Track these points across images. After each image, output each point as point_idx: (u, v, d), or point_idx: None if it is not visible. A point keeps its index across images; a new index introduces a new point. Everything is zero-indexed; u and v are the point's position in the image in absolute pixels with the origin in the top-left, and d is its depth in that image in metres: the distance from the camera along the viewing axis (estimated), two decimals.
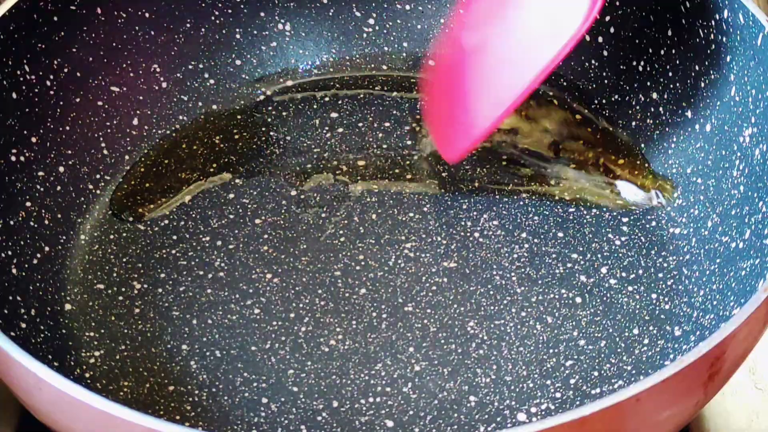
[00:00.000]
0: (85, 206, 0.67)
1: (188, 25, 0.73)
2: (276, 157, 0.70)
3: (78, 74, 0.68)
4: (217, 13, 0.74)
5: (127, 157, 0.70)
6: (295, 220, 0.66)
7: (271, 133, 0.72)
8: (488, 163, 0.70)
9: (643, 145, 0.69)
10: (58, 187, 0.65)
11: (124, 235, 0.66)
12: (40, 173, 0.64)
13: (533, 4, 0.62)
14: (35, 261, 0.62)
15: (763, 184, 0.59)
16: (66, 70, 0.67)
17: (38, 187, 0.64)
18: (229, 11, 0.74)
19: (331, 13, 0.76)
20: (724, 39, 0.63)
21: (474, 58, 0.65)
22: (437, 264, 0.64)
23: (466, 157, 0.68)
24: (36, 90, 0.65)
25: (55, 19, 0.66)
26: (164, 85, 0.72)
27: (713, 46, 0.64)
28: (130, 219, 0.67)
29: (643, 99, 0.69)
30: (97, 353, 0.60)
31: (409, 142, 0.71)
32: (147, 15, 0.71)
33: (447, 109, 0.67)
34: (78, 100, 0.68)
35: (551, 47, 0.61)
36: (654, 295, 0.62)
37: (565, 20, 0.60)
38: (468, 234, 0.65)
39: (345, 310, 0.62)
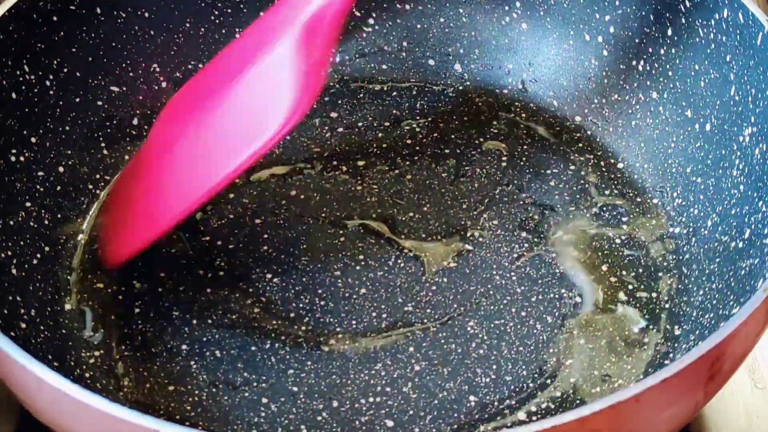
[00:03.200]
0: (85, 206, 0.67)
1: (188, 25, 0.73)
2: (276, 157, 0.70)
3: (78, 74, 0.68)
4: (217, 13, 0.74)
5: (127, 157, 0.70)
6: (295, 220, 0.66)
7: None
8: (488, 163, 0.70)
9: (643, 144, 0.69)
10: (58, 187, 0.65)
11: None
12: (40, 173, 0.64)
13: (235, 102, 0.59)
14: (35, 261, 0.62)
15: (763, 183, 0.59)
16: (66, 70, 0.67)
17: (38, 187, 0.64)
18: (229, 11, 0.74)
19: None
20: (724, 38, 0.63)
21: (162, 157, 0.61)
22: (437, 264, 0.64)
23: (129, 260, 0.62)
24: (36, 90, 0.65)
25: (55, 19, 0.66)
26: (164, 85, 0.72)
27: (713, 46, 0.64)
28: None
29: (642, 98, 0.69)
30: (97, 353, 0.60)
31: (409, 142, 0.71)
32: (147, 15, 0.71)
33: (126, 210, 0.63)
34: (78, 99, 0.68)
35: (242, 151, 0.58)
36: (654, 295, 0.62)
37: (264, 123, 0.57)
38: (468, 234, 0.66)
39: (345, 310, 0.62)
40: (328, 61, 0.58)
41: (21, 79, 0.64)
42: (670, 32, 0.67)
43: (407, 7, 0.76)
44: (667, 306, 0.62)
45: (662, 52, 0.68)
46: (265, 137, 0.57)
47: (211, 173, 0.58)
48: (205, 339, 0.60)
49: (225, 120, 0.59)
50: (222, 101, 0.59)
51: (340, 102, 0.74)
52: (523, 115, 0.73)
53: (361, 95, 0.75)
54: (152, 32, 0.72)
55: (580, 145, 0.71)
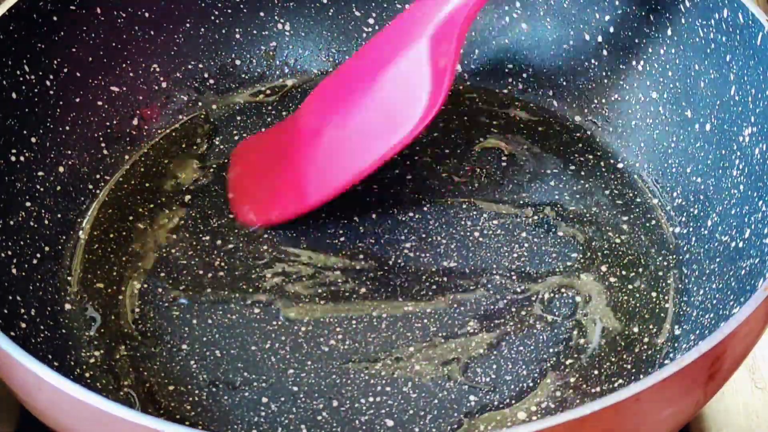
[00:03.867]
0: (85, 206, 0.67)
1: (188, 25, 0.73)
2: None
3: (78, 74, 0.68)
4: (216, 13, 0.74)
5: (127, 157, 0.70)
6: (295, 220, 0.66)
7: None
8: (488, 163, 0.70)
9: (643, 144, 0.69)
10: (58, 187, 0.65)
11: (124, 234, 0.66)
12: (40, 173, 0.64)
13: (375, 98, 0.64)
14: (35, 261, 0.62)
15: (763, 183, 0.59)
16: (66, 70, 0.67)
17: (38, 187, 0.64)
18: (229, 11, 0.74)
19: (330, 13, 0.76)
20: (724, 38, 0.63)
21: (312, 140, 0.66)
22: (437, 264, 0.64)
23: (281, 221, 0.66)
24: (36, 90, 0.65)
25: (55, 19, 0.66)
26: (164, 85, 0.72)
27: (713, 46, 0.64)
28: (130, 219, 0.67)
29: (642, 98, 0.69)
30: (97, 353, 0.60)
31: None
32: (147, 15, 0.71)
33: (273, 178, 0.67)
34: (78, 100, 0.68)
35: (383, 144, 0.62)
36: (654, 294, 0.62)
37: (402, 119, 0.62)
38: (468, 234, 0.65)
39: (345, 310, 0.62)
40: (456, 63, 0.62)
41: (21, 79, 0.64)
42: (670, 32, 0.67)
43: (407, 6, 0.76)
44: (667, 306, 0.62)
45: (662, 52, 0.68)
46: (402, 133, 0.62)
47: (353, 163, 0.63)
48: (205, 339, 0.60)
49: (366, 114, 0.64)
50: (363, 97, 0.64)
51: None
52: (523, 115, 0.73)
53: None
54: (152, 32, 0.72)
55: (580, 145, 0.71)
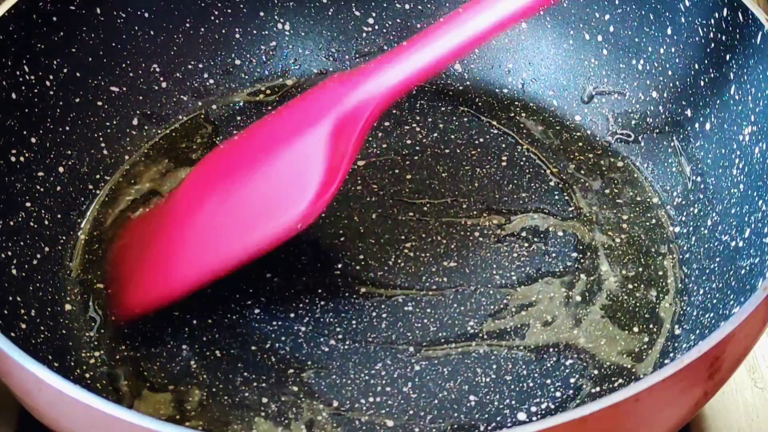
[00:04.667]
0: (85, 206, 0.67)
1: (188, 25, 0.73)
2: None
3: (78, 74, 0.68)
4: (216, 13, 0.74)
5: (127, 156, 0.70)
6: None
7: None
8: (488, 163, 0.70)
9: (642, 144, 0.69)
10: (58, 188, 0.65)
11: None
12: (40, 174, 0.64)
13: (261, 179, 0.59)
14: (35, 261, 0.62)
15: (763, 182, 0.59)
16: (66, 70, 0.67)
17: (38, 187, 0.64)
18: (229, 11, 0.74)
19: (330, 13, 0.76)
20: (724, 38, 0.63)
21: (183, 220, 0.61)
22: (437, 264, 0.64)
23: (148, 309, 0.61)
24: (36, 90, 0.65)
25: (55, 19, 0.66)
26: (164, 85, 0.72)
27: (712, 45, 0.64)
28: (130, 219, 0.66)
29: (642, 98, 0.69)
30: (97, 353, 0.60)
31: (408, 142, 0.71)
32: (146, 15, 0.71)
33: (141, 264, 0.62)
34: (78, 100, 0.68)
35: (260, 232, 0.58)
36: (654, 294, 0.62)
37: (285, 207, 0.57)
38: (468, 234, 0.65)
39: (345, 310, 0.62)
40: (353, 158, 0.58)
41: (21, 79, 0.64)
42: (669, 32, 0.67)
43: (407, 7, 0.76)
44: (667, 306, 0.62)
45: (662, 51, 0.68)
46: (283, 222, 0.57)
47: (229, 247, 0.58)
48: (205, 339, 0.60)
49: (247, 196, 0.59)
50: (248, 177, 0.59)
51: None
52: (523, 115, 0.73)
53: None
54: (152, 32, 0.72)
55: (580, 144, 0.71)
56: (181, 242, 0.60)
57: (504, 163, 0.70)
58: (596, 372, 0.59)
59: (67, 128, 0.67)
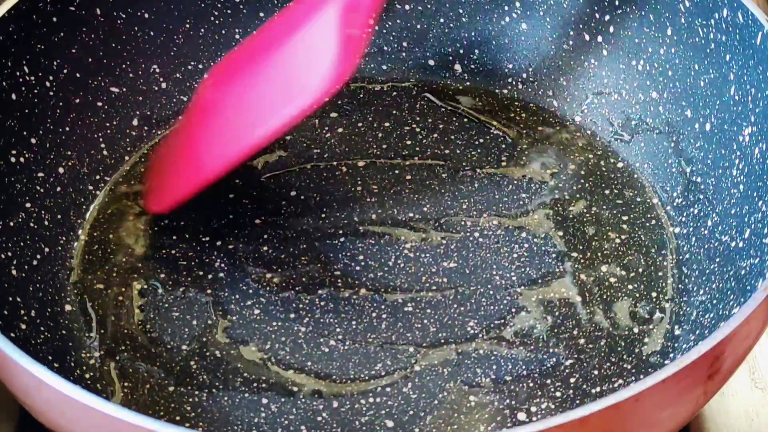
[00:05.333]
0: (85, 206, 0.67)
1: (188, 26, 0.73)
2: (275, 157, 0.70)
3: (77, 75, 0.68)
4: (216, 13, 0.74)
5: (127, 157, 0.70)
6: (295, 220, 0.66)
7: None
8: (488, 163, 0.70)
9: (643, 144, 0.69)
10: (58, 188, 0.65)
11: (124, 234, 0.66)
12: (40, 174, 0.64)
13: (278, 66, 0.62)
14: (35, 262, 0.62)
15: (763, 183, 0.59)
16: (65, 70, 0.67)
17: (38, 188, 0.64)
18: (229, 11, 0.74)
19: None
20: (724, 38, 0.63)
21: (207, 114, 0.65)
22: (437, 264, 0.64)
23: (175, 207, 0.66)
24: (36, 91, 0.65)
25: (55, 20, 0.66)
26: (164, 85, 0.72)
27: (713, 46, 0.64)
28: (130, 219, 0.67)
29: (642, 98, 0.69)
30: (97, 354, 0.60)
31: (409, 142, 0.71)
32: (146, 15, 0.71)
33: (175, 160, 0.67)
34: (78, 100, 0.68)
35: (285, 110, 0.61)
36: (654, 294, 0.62)
37: (305, 85, 0.60)
38: (468, 234, 0.65)
39: (345, 310, 0.62)
40: (369, 34, 0.61)
41: (21, 79, 0.64)
42: (669, 32, 0.67)
43: (407, 7, 0.76)
44: (667, 306, 0.62)
45: (662, 52, 0.68)
46: (305, 100, 0.60)
47: (254, 130, 0.61)
48: (205, 339, 0.60)
49: (269, 82, 0.62)
50: (266, 65, 0.62)
51: (340, 102, 0.74)
52: (523, 115, 0.73)
53: (361, 95, 0.74)
54: (152, 32, 0.72)
55: (580, 144, 0.71)
56: (209, 132, 0.64)
57: (504, 163, 0.70)
58: (596, 372, 0.59)
59: (67, 128, 0.67)
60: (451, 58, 0.75)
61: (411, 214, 0.67)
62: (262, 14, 0.75)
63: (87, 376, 0.58)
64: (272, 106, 0.61)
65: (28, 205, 0.63)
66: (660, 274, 0.63)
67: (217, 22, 0.74)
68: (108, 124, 0.69)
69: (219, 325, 0.61)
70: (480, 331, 0.60)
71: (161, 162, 0.68)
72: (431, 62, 0.76)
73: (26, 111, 0.64)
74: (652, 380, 0.45)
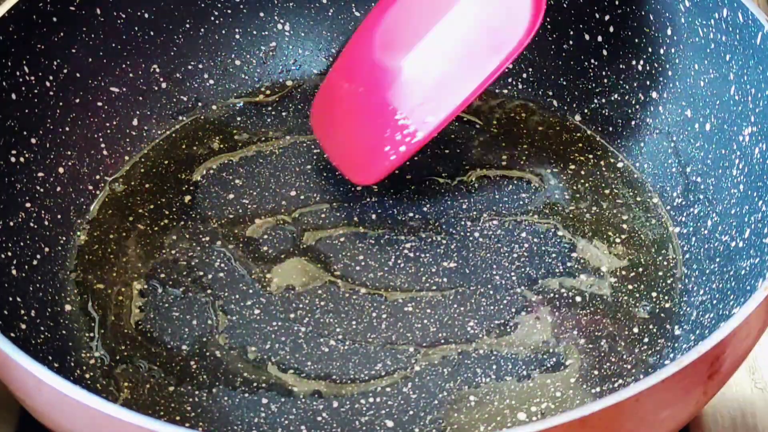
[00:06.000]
0: (85, 206, 0.67)
1: (188, 26, 0.73)
2: (276, 157, 0.70)
3: (77, 75, 0.68)
4: (216, 13, 0.74)
5: (127, 157, 0.70)
6: (295, 220, 0.66)
7: (271, 134, 0.72)
8: (488, 163, 0.70)
9: (642, 144, 0.69)
10: (58, 188, 0.65)
11: (124, 235, 0.66)
12: (40, 174, 0.64)
13: (465, 16, 0.62)
14: (35, 262, 0.62)
15: (763, 183, 0.59)
16: (65, 70, 0.67)
17: (38, 188, 0.64)
18: (229, 11, 0.74)
19: (330, 13, 0.76)
20: (724, 38, 0.63)
21: (393, 73, 0.64)
22: (437, 264, 0.64)
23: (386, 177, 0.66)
24: (35, 91, 0.65)
25: (55, 20, 0.66)
26: (164, 85, 0.72)
27: (713, 45, 0.64)
28: (130, 219, 0.67)
29: (642, 98, 0.69)
30: (97, 354, 0.60)
31: None
32: (146, 15, 0.71)
33: (359, 128, 0.66)
34: (78, 100, 0.68)
35: (489, 62, 0.60)
36: (654, 294, 0.62)
37: (503, 35, 0.60)
38: (468, 234, 0.65)
39: (345, 310, 0.62)
40: None
41: (21, 79, 0.64)
42: (669, 32, 0.67)
43: None
44: (667, 306, 0.62)
45: (662, 51, 0.68)
46: (506, 51, 0.60)
47: (464, 84, 0.61)
48: (205, 339, 0.60)
49: (459, 36, 0.62)
50: (450, 21, 0.62)
51: None
52: (523, 115, 0.73)
53: None
54: (152, 32, 0.72)
55: (580, 145, 0.71)
56: (399, 99, 0.63)
57: (504, 164, 0.70)
58: (596, 372, 0.59)
59: (67, 128, 0.67)
60: None
61: (411, 214, 0.67)
62: (262, 14, 0.75)
63: (87, 376, 0.58)
64: (477, 58, 0.61)
65: (28, 205, 0.63)
66: (660, 274, 0.63)
67: (217, 22, 0.74)
68: (108, 124, 0.69)
69: (219, 325, 0.61)
70: (480, 331, 0.60)
71: (358, 127, 0.67)
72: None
73: (26, 111, 0.64)
74: (652, 380, 0.45)
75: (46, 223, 0.64)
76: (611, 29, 0.70)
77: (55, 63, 0.66)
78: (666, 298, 0.62)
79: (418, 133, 0.63)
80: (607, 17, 0.70)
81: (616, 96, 0.71)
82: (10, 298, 0.58)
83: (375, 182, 0.66)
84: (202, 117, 0.73)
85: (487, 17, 0.61)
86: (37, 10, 0.64)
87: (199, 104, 0.73)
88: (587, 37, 0.72)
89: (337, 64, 0.69)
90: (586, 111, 0.72)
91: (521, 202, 0.67)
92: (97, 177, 0.68)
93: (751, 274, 0.56)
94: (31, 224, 0.63)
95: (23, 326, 0.57)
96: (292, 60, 0.76)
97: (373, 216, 0.67)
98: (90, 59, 0.68)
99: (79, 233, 0.66)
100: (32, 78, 0.65)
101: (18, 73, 0.64)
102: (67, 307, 0.62)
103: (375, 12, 0.67)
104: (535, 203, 0.67)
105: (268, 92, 0.75)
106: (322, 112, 0.69)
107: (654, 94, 0.69)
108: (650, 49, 0.68)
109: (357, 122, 0.66)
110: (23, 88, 0.64)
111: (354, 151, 0.66)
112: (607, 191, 0.68)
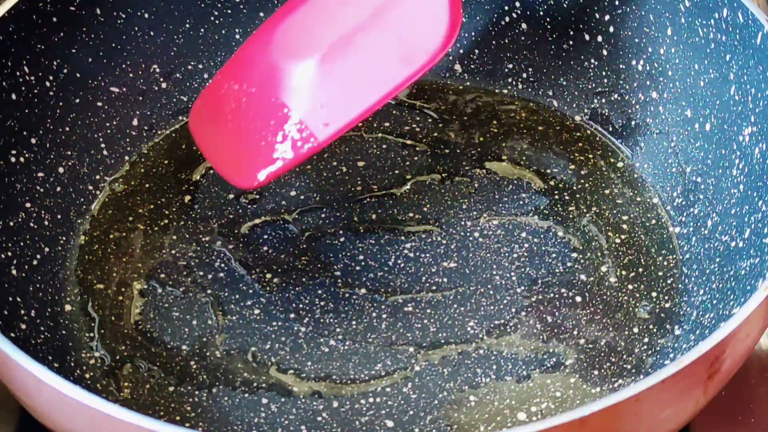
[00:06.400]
0: (84, 206, 0.67)
1: (188, 26, 0.73)
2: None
3: (77, 75, 0.68)
4: (216, 13, 0.74)
5: (126, 157, 0.70)
6: (295, 220, 0.66)
7: None
8: (488, 163, 0.70)
9: (643, 144, 0.69)
10: (58, 188, 0.65)
11: (124, 235, 0.66)
12: (40, 174, 0.64)
13: (380, 26, 0.60)
14: (35, 262, 0.62)
15: (763, 183, 0.59)
16: (65, 70, 0.67)
17: (38, 188, 0.64)
18: (229, 11, 0.74)
19: None
20: (724, 38, 0.63)
21: (292, 75, 0.61)
22: (437, 264, 0.64)
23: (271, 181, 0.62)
24: (35, 91, 0.65)
25: (55, 20, 0.66)
26: (164, 85, 0.72)
27: (713, 45, 0.64)
28: (130, 219, 0.67)
29: (642, 98, 0.69)
30: (97, 354, 0.60)
31: (409, 142, 0.71)
32: (146, 15, 0.71)
33: (247, 130, 0.62)
34: (78, 100, 0.68)
35: (397, 73, 0.59)
36: (654, 294, 0.62)
37: (416, 47, 0.58)
38: (468, 234, 0.65)
39: (345, 310, 0.62)
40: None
41: (21, 79, 0.64)
42: (669, 32, 0.67)
43: None
44: (667, 306, 0.62)
45: (662, 51, 0.68)
46: (417, 63, 0.58)
47: (369, 92, 0.59)
48: (205, 339, 0.60)
49: (371, 43, 0.60)
50: (364, 26, 0.60)
51: None
52: (523, 114, 0.73)
53: None
54: (152, 32, 0.72)
55: (580, 145, 0.71)
56: (321, 94, 0.60)
57: (504, 163, 0.70)
58: (596, 372, 0.59)
59: (67, 128, 0.67)
60: (451, 58, 0.75)
61: (411, 214, 0.67)
62: (262, 14, 0.75)
63: (87, 376, 0.58)
64: (386, 68, 0.59)
65: (28, 205, 0.63)
66: (660, 274, 0.63)
67: (217, 22, 0.74)
68: (108, 124, 0.69)
69: (219, 325, 0.61)
70: (480, 331, 0.60)
71: (246, 129, 0.63)
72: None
73: (26, 111, 0.64)
74: (652, 380, 0.45)
75: (46, 223, 0.64)
76: (611, 29, 0.70)
77: (55, 63, 0.66)
78: (666, 298, 0.62)
79: (312, 138, 0.59)
80: (607, 17, 0.70)
81: (616, 96, 0.71)
82: (10, 298, 0.58)
83: (258, 186, 0.62)
84: None
85: (401, 28, 0.59)
86: (37, 10, 0.64)
87: None
88: (587, 37, 0.72)
89: (227, 66, 0.66)
90: (586, 111, 0.72)
91: (521, 202, 0.67)
92: (97, 177, 0.68)
93: (751, 274, 0.56)
94: (31, 224, 0.63)
95: (23, 326, 0.57)
96: None
97: (373, 216, 0.67)
98: (90, 59, 0.68)
99: (79, 233, 0.66)
100: (32, 78, 0.65)
101: (18, 73, 0.64)
102: (67, 307, 0.62)
103: (277, 14, 0.65)
104: (535, 203, 0.67)
105: None
106: (204, 113, 0.65)
107: (654, 94, 0.69)
108: (650, 49, 0.68)
109: (244, 124, 0.62)
110: (23, 88, 0.64)
111: (239, 153, 0.62)
112: (607, 191, 0.68)
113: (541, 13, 0.73)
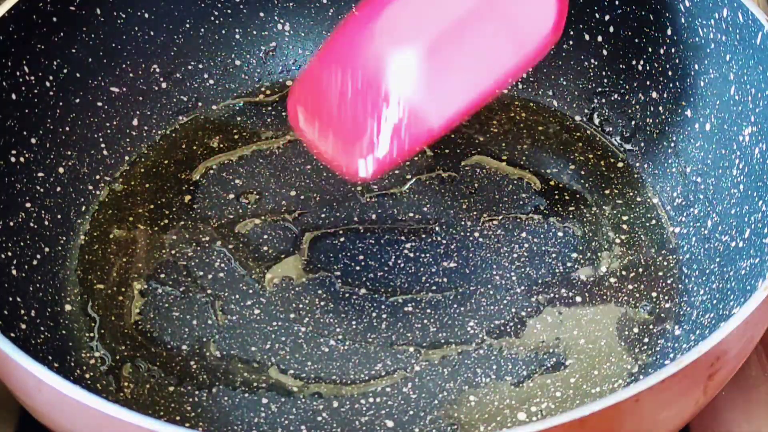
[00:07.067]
0: (85, 206, 0.67)
1: (188, 26, 0.73)
2: (275, 157, 0.70)
3: (77, 75, 0.68)
4: (216, 13, 0.74)
5: (127, 157, 0.70)
6: (295, 220, 0.66)
7: (271, 134, 0.72)
8: (488, 163, 0.70)
9: (643, 145, 0.69)
10: (58, 188, 0.65)
11: (124, 235, 0.66)
12: (40, 174, 0.64)
13: (486, 14, 0.59)
14: (35, 262, 0.62)
15: (763, 183, 0.59)
16: (65, 70, 0.67)
17: (38, 188, 0.64)
18: (229, 11, 0.74)
19: (330, 13, 0.76)
20: (724, 38, 0.63)
21: (401, 64, 0.60)
22: (437, 264, 0.64)
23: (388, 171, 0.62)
24: (35, 91, 0.65)
25: (55, 19, 0.66)
26: (164, 85, 0.72)
27: (713, 45, 0.64)
28: (130, 219, 0.67)
29: (642, 98, 0.69)
30: (97, 354, 0.60)
31: None
32: (146, 15, 0.71)
33: (358, 120, 0.61)
34: (77, 100, 0.68)
35: (509, 59, 0.58)
36: (654, 294, 0.62)
37: (526, 32, 0.58)
38: (468, 234, 0.65)
39: (345, 310, 0.62)
40: None
41: (21, 79, 0.64)
42: (670, 32, 0.67)
43: None
44: (667, 306, 0.62)
45: (662, 51, 0.68)
46: (527, 48, 0.58)
47: (478, 82, 0.58)
48: (205, 339, 0.60)
49: (476, 32, 0.59)
50: (469, 15, 0.59)
51: None
52: (523, 114, 0.73)
53: None
54: (152, 32, 0.72)
55: (580, 145, 0.71)
56: (428, 86, 0.59)
57: (504, 164, 0.70)
58: (596, 372, 0.59)
59: (67, 128, 0.67)
60: None
61: (411, 214, 0.67)
62: (262, 14, 0.75)
63: (87, 376, 0.58)
64: (495, 54, 0.58)
65: (28, 205, 0.63)
66: (660, 274, 0.63)
67: (217, 22, 0.74)
68: (108, 124, 0.69)
69: (219, 324, 0.61)
70: (480, 331, 0.60)
71: (356, 119, 0.61)
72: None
73: (26, 111, 0.64)
74: (652, 380, 0.45)
75: (46, 223, 0.64)
76: (611, 29, 0.70)
77: (55, 63, 0.66)
78: (666, 298, 0.62)
79: (427, 128, 0.59)
80: (607, 17, 0.70)
81: (616, 96, 0.71)
82: (10, 298, 0.58)
83: (375, 178, 0.61)
84: (202, 117, 0.73)
85: (510, 13, 0.58)
86: (37, 10, 0.64)
87: (199, 104, 0.73)
88: (587, 37, 0.72)
89: (325, 51, 0.64)
90: (586, 111, 0.72)
91: (521, 202, 0.67)
92: (97, 177, 0.68)
93: (751, 274, 0.56)
94: (31, 224, 0.63)
95: (23, 326, 0.57)
96: (292, 60, 0.76)
97: (373, 216, 0.67)
98: (90, 59, 0.68)
99: (79, 233, 0.66)
100: (32, 78, 0.65)
101: (18, 73, 0.64)
102: (67, 307, 0.62)
103: (373, 2, 0.63)
104: (534, 203, 0.67)
105: (268, 92, 0.75)
106: (308, 103, 0.64)
107: (654, 94, 0.69)
108: (650, 49, 0.68)
109: (354, 114, 0.61)
110: (23, 88, 0.64)
111: (351, 144, 0.61)
112: (607, 191, 0.68)
113: None
